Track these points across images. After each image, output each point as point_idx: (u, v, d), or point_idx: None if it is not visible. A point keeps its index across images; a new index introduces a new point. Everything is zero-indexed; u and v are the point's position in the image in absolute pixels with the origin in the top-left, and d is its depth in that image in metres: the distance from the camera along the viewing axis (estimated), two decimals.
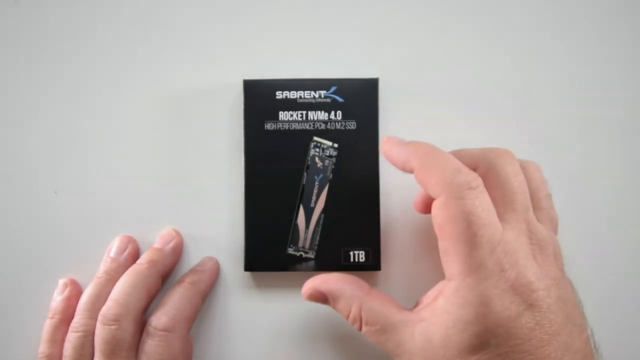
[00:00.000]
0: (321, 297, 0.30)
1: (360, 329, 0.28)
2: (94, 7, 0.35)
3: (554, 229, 0.29)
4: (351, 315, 0.29)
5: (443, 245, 0.26)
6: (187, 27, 0.35)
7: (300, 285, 0.34)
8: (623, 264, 0.34)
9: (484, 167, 0.27)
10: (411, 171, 0.28)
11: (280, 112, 0.33)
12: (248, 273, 0.34)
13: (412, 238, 0.34)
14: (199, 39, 0.35)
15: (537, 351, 0.24)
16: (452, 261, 0.26)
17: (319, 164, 0.33)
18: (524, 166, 0.28)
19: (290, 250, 0.33)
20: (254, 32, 0.35)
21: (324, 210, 0.33)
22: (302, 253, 0.33)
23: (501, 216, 0.26)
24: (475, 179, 0.26)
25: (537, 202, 0.28)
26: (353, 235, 0.32)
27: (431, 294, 0.28)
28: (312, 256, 0.33)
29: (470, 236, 0.25)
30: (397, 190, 0.34)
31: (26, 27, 0.35)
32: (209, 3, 0.35)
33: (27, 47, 0.35)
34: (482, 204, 0.25)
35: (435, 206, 0.26)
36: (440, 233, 0.26)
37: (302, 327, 0.34)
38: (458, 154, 0.28)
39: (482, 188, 0.26)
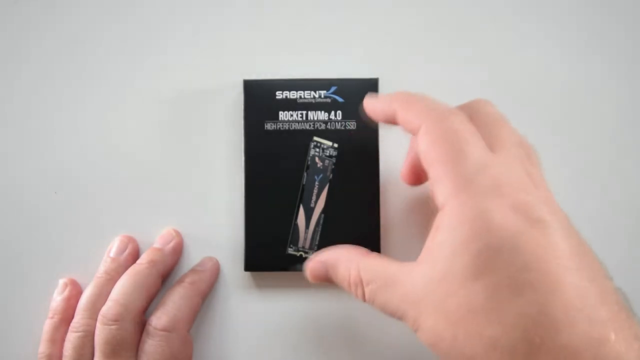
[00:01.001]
0: (322, 271, 0.28)
1: (363, 296, 0.26)
2: (94, 7, 0.35)
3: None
4: (352, 279, 0.26)
5: (431, 173, 0.24)
6: (187, 27, 0.35)
7: (300, 285, 0.34)
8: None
9: (467, 113, 0.26)
10: (394, 116, 0.26)
11: (280, 112, 0.33)
12: (248, 273, 0.34)
13: (412, 238, 0.34)
14: (199, 39, 0.35)
15: (555, 271, 0.20)
16: (441, 185, 0.23)
17: (319, 164, 0.33)
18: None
19: (290, 250, 0.33)
20: (254, 32, 0.35)
21: (324, 210, 0.33)
22: (302, 253, 0.33)
23: (491, 148, 0.24)
24: (455, 109, 0.25)
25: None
26: (353, 235, 0.32)
27: (427, 239, 0.25)
28: None
29: (456, 152, 0.23)
30: (397, 190, 0.34)
31: (26, 27, 0.35)
32: (209, 3, 0.35)
33: (27, 47, 0.35)
34: (466, 126, 0.24)
35: (419, 137, 0.25)
36: (427, 161, 0.24)
37: (302, 327, 0.34)
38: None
39: (465, 116, 0.25)
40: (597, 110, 0.35)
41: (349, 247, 0.28)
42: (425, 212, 0.34)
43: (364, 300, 0.26)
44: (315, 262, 0.28)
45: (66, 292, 0.33)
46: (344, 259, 0.27)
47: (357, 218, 0.33)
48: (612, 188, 0.34)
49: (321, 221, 0.33)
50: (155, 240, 0.34)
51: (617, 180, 0.34)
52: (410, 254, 0.34)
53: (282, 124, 0.33)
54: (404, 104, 0.26)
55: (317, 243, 0.33)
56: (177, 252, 0.34)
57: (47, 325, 0.32)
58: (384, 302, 0.25)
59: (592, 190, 0.34)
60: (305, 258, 0.33)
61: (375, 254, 0.27)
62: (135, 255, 0.34)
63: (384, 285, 0.25)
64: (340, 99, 0.33)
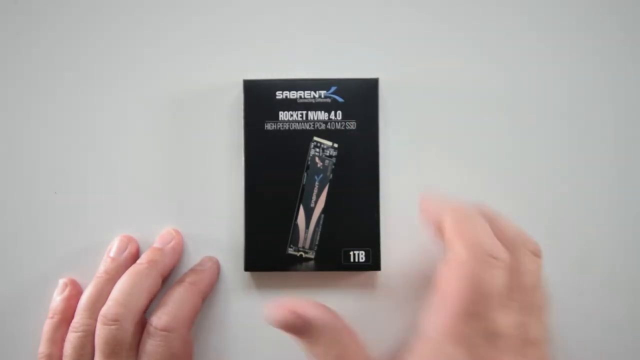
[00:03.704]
0: (298, 326, 0.26)
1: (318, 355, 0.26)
2: (94, 7, 0.35)
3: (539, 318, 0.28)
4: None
5: (437, 299, 0.25)
6: (187, 27, 0.35)
7: (301, 286, 0.34)
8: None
9: (511, 250, 0.26)
10: (441, 229, 0.27)
11: (280, 112, 0.33)
12: (248, 273, 0.34)
13: (412, 238, 0.34)
14: (199, 39, 0.35)
15: None
16: (434, 319, 0.25)
17: (319, 164, 0.33)
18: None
19: (290, 250, 0.33)
20: (254, 32, 0.35)
21: (324, 210, 0.33)
22: (302, 253, 0.33)
23: (510, 300, 0.25)
24: (502, 253, 0.25)
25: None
26: (353, 235, 0.32)
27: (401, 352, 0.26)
28: (312, 256, 0.33)
29: (468, 300, 0.24)
30: (397, 190, 0.34)
31: (26, 27, 0.35)
32: (209, 3, 0.35)
33: (26, 47, 0.35)
34: (497, 278, 0.25)
35: (450, 260, 0.25)
36: (441, 287, 0.25)
37: None
38: (497, 223, 0.27)
39: (504, 264, 0.25)
40: (600, 111, 0.35)
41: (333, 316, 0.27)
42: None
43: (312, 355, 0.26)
44: (296, 315, 0.26)
45: (66, 292, 0.33)
46: (331, 333, 0.26)
47: (357, 218, 0.33)
48: (614, 188, 0.34)
49: (321, 221, 0.33)
50: (155, 240, 0.34)
51: (619, 180, 0.34)
52: (410, 254, 0.34)
53: (282, 124, 0.33)
54: (457, 224, 0.26)
55: (317, 243, 0.33)
56: (177, 252, 0.34)
57: (47, 325, 0.32)
58: None
59: (597, 190, 0.34)
60: (305, 258, 0.33)
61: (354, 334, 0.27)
62: (135, 255, 0.34)
63: None
64: (340, 99, 0.33)
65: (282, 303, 0.26)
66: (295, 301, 0.26)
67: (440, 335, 0.24)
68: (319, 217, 0.33)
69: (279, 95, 0.33)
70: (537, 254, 0.27)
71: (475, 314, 0.24)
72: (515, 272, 0.26)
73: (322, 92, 0.33)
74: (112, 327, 0.30)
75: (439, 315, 0.25)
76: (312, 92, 0.33)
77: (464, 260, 0.25)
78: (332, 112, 0.33)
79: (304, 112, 0.33)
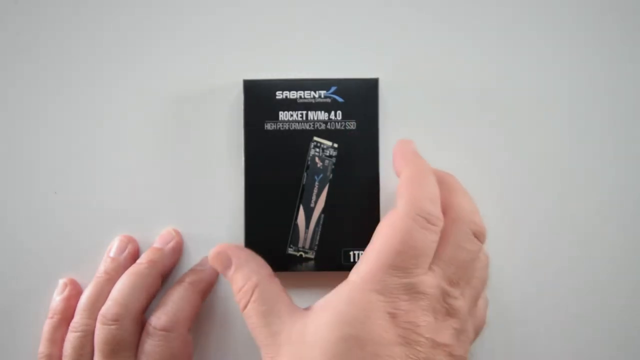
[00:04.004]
0: (225, 262, 0.29)
1: (244, 306, 0.28)
2: (94, 7, 0.35)
3: (476, 327, 0.29)
4: (244, 288, 0.28)
5: (368, 247, 0.27)
6: (187, 28, 0.35)
7: (301, 286, 0.34)
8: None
9: (455, 221, 0.27)
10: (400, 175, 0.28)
11: (280, 112, 0.33)
12: None
13: None
14: (199, 39, 0.35)
15: None
16: (360, 267, 0.26)
17: (319, 164, 0.33)
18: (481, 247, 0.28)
19: (290, 250, 0.33)
20: (254, 32, 0.35)
21: (324, 210, 0.33)
22: (302, 253, 0.33)
23: (435, 264, 0.26)
24: (437, 219, 0.26)
25: (470, 278, 0.28)
26: (353, 235, 0.32)
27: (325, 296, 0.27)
28: (312, 256, 0.33)
29: (395, 252, 0.25)
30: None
31: (26, 27, 0.35)
32: (209, 3, 0.35)
33: (26, 47, 0.35)
34: (427, 239, 0.26)
35: (389, 214, 0.27)
36: (376, 235, 0.26)
37: None
38: (452, 190, 0.28)
39: (437, 229, 0.26)
40: (600, 111, 0.35)
41: (259, 259, 0.30)
42: None
43: (242, 310, 0.28)
44: (224, 252, 0.29)
45: (66, 292, 0.33)
46: (250, 267, 0.29)
47: (357, 218, 0.33)
48: (613, 188, 0.34)
49: (321, 221, 0.33)
50: (155, 240, 0.34)
51: (618, 179, 0.34)
52: None
53: (282, 124, 0.33)
54: (408, 178, 0.28)
55: (317, 243, 0.33)
56: (177, 252, 0.34)
57: (47, 325, 0.32)
58: (256, 325, 0.27)
59: (597, 190, 0.34)
60: (305, 258, 0.33)
61: (278, 280, 0.29)
62: (135, 255, 0.34)
63: (267, 312, 0.27)
64: (340, 99, 0.33)
65: (218, 245, 0.30)
66: (226, 244, 0.30)
67: (362, 281, 0.25)
68: (319, 217, 0.33)
69: (279, 95, 0.33)
70: (478, 236, 0.27)
71: (399, 267, 0.25)
72: (449, 244, 0.27)
73: (322, 92, 0.33)
74: (112, 327, 0.30)
75: (366, 263, 0.26)
76: (312, 92, 0.33)
77: (401, 216, 0.26)
78: (332, 112, 0.33)
79: (304, 112, 0.33)
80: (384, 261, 0.25)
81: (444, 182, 0.29)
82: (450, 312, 0.26)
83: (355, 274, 0.26)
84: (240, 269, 0.29)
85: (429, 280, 0.26)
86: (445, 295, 0.26)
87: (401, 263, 0.25)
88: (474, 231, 0.27)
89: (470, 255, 0.27)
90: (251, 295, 0.28)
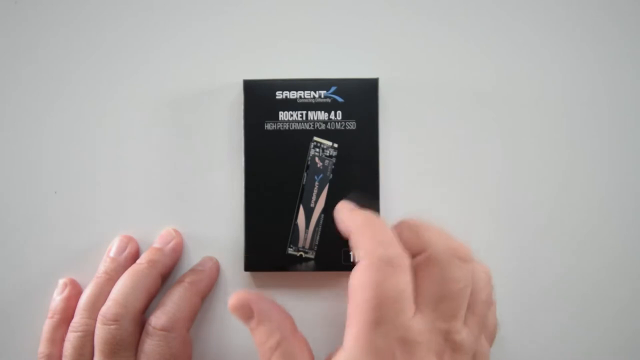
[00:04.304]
0: (246, 313, 0.28)
1: (265, 356, 0.27)
2: (94, 7, 0.35)
3: (488, 337, 0.28)
4: (267, 344, 0.27)
5: (349, 310, 0.25)
6: (187, 28, 0.35)
7: (300, 286, 0.34)
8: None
9: (431, 255, 0.26)
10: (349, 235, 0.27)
11: (280, 112, 0.33)
12: (248, 273, 0.34)
13: None
14: (199, 39, 0.35)
15: None
16: (349, 330, 0.25)
17: (319, 164, 0.33)
18: (473, 267, 0.26)
19: (290, 250, 0.33)
20: (254, 32, 0.35)
21: (324, 210, 0.33)
22: (302, 253, 0.33)
23: (424, 306, 0.25)
24: (400, 258, 0.25)
25: (473, 305, 0.26)
26: None
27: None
28: (312, 256, 0.33)
29: (372, 308, 0.24)
30: (397, 190, 0.34)
31: (26, 28, 0.35)
32: (209, 3, 0.35)
33: (26, 47, 0.35)
34: (397, 282, 0.24)
35: (354, 269, 0.25)
36: (350, 297, 0.25)
37: (301, 327, 0.34)
38: (415, 228, 0.27)
39: (404, 268, 0.25)
40: (594, 112, 0.35)
41: (282, 312, 0.29)
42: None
43: (262, 357, 0.27)
44: (245, 304, 0.28)
45: (66, 292, 0.33)
46: (274, 324, 0.28)
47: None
48: (611, 189, 0.34)
49: (321, 221, 0.33)
50: (155, 240, 0.34)
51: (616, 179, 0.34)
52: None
53: (282, 124, 0.33)
54: (358, 230, 0.26)
55: (317, 243, 0.33)
56: (177, 252, 0.34)
57: (47, 325, 0.32)
58: None
59: (592, 190, 0.34)
60: (305, 258, 0.33)
61: (300, 335, 0.28)
62: (135, 255, 0.34)
63: None
64: (340, 99, 0.33)
65: (237, 294, 0.28)
66: (246, 293, 0.28)
67: (354, 347, 0.24)
68: (319, 217, 0.33)
69: (279, 95, 0.33)
70: (462, 258, 0.26)
71: (382, 321, 0.24)
72: (432, 281, 0.25)
73: (322, 92, 0.33)
74: (112, 327, 0.30)
75: (351, 326, 0.25)
76: (312, 92, 0.33)
77: (363, 269, 0.25)
78: (332, 112, 0.33)
79: (304, 112, 0.33)
80: (366, 319, 0.24)
81: (407, 226, 0.27)
82: (456, 347, 0.25)
83: (347, 341, 0.25)
84: (262, 323, 0.28)
85: (418, 326, 0.24)
86: (445, 333, 0.25)
87: (383, 316, 0.24)
88: (455, 256, 0.26)
89: (461, 282, 0.25)
90: (274, 352, 0.27)
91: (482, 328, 0.27)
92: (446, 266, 0.25)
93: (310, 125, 0.33)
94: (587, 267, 0.34)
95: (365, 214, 0.27)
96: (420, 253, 0.26)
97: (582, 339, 0.34)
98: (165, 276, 0.33)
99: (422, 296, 0.25)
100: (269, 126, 0.33)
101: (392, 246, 0.25)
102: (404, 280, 0.25)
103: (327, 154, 0.33)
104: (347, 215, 0.28)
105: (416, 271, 0.26)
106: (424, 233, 0.27)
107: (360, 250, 0.26)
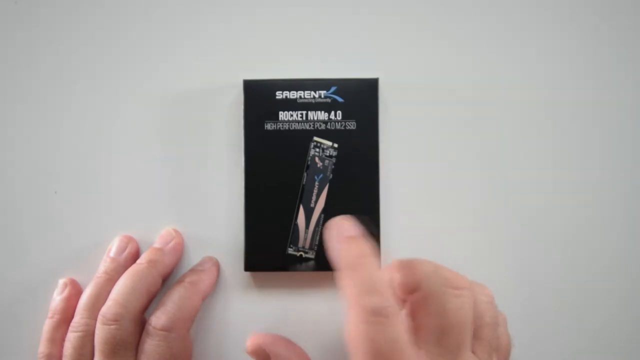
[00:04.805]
0: (263, 357, 0.31)
1: None
2: (94, 7, 0.35)
3: (502, 357, 0.28)
4: None
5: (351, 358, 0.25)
6: (187, 28, 0.35)
7: (300, 286, 0.34)
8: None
9: (426, 291, 0.25)
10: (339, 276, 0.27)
11: (280, 112, 0.33)
12: (248, 273, 0.34)
13: (412, 238, 0.34)
14: (199, 39, 0.35)
15: None
16: None
17: (319, 164, 0.33)
18: (471, 292, 0.26)
19: (290, 250, 0.33)
20: (254, 32, 0.35)
21: (324, 210, 0.33)
22: (302, 253, 0.33)
23: (427, 343, 0.25)
24: (387, 307, 0.24)
25: (478, 331, 0.26)
26: None
27: None
28: (312, 256, 0.33)
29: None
30: (397, 190, 0.34)
31: (26, 27, 0.35)
32: (209, 3, 0.35)
33: (26, 47, 0.35)
34: (389, 333, 0.23)
35: (346, 319, 0.25)
36: (349, 348, 0.25)
37: (301, 327, 0.34)
38: (407, 266, 0.26)
39: (392, 316, 0.24)
40: (599, 113, 0.35)
41: (300, 352, 0.30)
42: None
43: None
44: (260, 348, 0.31)
45: (66, 292, 0.33)
46: None
47: (357, 218, 0.32)
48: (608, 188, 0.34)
49: (321, 221, 0.33)
50: (155, 240, 0.34)
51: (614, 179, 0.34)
52: (409, 254, 0.34)
53: (282, 124, 0.33)
54: (344, 274, 0.25)
55: (317, 243, 0.33)
56: (177, 252, 0.34)
57: (47, 325, 0.32)
58: None
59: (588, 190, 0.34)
60: (305, 258, 0.33)
61: None
62: (135, 255, 0.34)
63: None
64: (340, 99, 0.33)
65: (253, 337, 0.31)
66: (262, 336, 0.31)
67: None
68: (319, 217, 0.33)
69: (279, 95, 0.33)
70: (456, 286, 0.25)
71: None
72: (431, 315, 0.25)
73: (322, 92, 0.33)
74: (112, 327, 0.30)
75: None
76: (312, 92, 0.33)
77: (353, 321, 0.24)
78: (332, 112, 0.33)
79: (304, 112, 0.33)
80: None
81: (400, 265, 0.27)
82: None
83: None
84: None
85: None
86: None
87: None
88: (449, 287, 0.25)
89: (460, 311, 0.25)
90: None
91: (493, 350, 0.26)
92: (442, 298, 0.25)
93: (310, 125, 0.33)
94: (582, 269, 0.34)
95: (353, 251, 0.26)
96: (415, 291, 0.26)
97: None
98: (165, 276, 0.33)
99: (423, 334, 0.25)
100: (269, 126, 0.33)
101: (379, 294, 0.24)
102: (396, 330, 0.24)
103: (327, 154, 0.33)
104: (336, 248, 0.27)
105: (414, 309, 0.26)
106: (416, 270, 0.26)
107: (346, 296, 0.25)
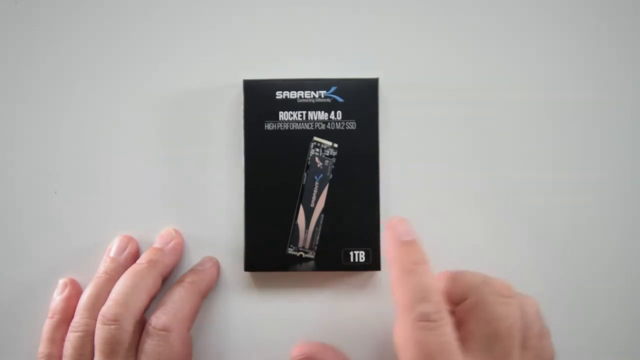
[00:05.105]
0: None
1: None
2: (94, 7, 0.35)
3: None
4: None
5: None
6: (187, 28, 0.35)
7: (301, 286, 0.34)
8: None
9: (475, 299, 0.26)
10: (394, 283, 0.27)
11: (280, 112, 0.33)
12: (248, 273, 0.34)
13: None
14: (199, 39, 0.35)
15: None
16: None
17: (319, 164, 0.33)
18: (519, 302, 0.27)
19: (290, 250, 0.33)
20: (254, 32, 0.35)
21: (324, 210, 0.33)
22: (302, 253, 0.33)
23: (476, 350, 0.25)
24: (437, 312, 0.25)
25: (526, 341, 0.26)
26: (353, 235, 0.32)
27: None
28: (312, 256, 0.33)
29: None
30: (397, 190, 0.34)
31: (26, 27, 0.35)
32: (209, 3, 0.35)
33: (26, 47, 0.35)
34: (438, 338, 0.24)
35: (396, 324, 0.26)
36: (398, 353, 0.26)
37: (301, 327, 0.34)
38: (454, 277, 0.27)
39: (443, 322, 0.25)
40: (596, 114, 0.35)
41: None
42: None
43: None
44: (308, 355, 0.31)
45: (66, 292, 0.33)
46: None
47: (357, 218, 0.33)
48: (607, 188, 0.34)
49: (321, 221, 0.33)
50: (155, 240, 0.34)
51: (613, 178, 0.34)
52: None
53: (282, 124, 0.33)
54: (397, 280, 0.26)
55: (317, 243, 0.33)
56: (177, 252, 0.34)
57: (47, 325, 0.32)
58: None
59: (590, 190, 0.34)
60: (305, 258, 0.33)
61: None
62: (135, 255, 0.34)
63: None
64: (340, 99, 0.33)
65: (300, 346, 0.31)
66: (308, 344, 0.31)
67: None
68: (319, 217, 0.33)
69: (279, 95, 0.33)
70: (503, 294, 0.26)
71: None
72: (482, 321, 0.25)
73: (322, 92, 0.33)
74: (112, 327, 0.30)
75: None
76: (312, 92, 0.33)
77: (403, 326, 0.25)
78: (332, 112, 0.33)
79: (304, 112, 0.33)
80: None
81: (446, 277, 0.28)
82: None
83: None
84: None
85: None
86: None
87: None
88: (498, 294, 0.26)
89: (509, 319, 0.25)
90: None
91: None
92: (491, 306, 0.26)
93: (310, 125, 0.33)
94: (582, 269, 0.34)
95: (408, 257, 0.27)
96: (463, 301, 0.27)
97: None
98: (165, 276, 0.33)
99: (472, 341, 0.25)
100: (269, 126, 0.33)
101: (430, 300, 0.25)
102: (445, 333, 0.25)
103: (327, 154, 0.33)
104: (392, 252, 0.28)
105: (461, 319, 0.26)
106: (464, 280, 0.27)
107: (397, 302, 0.26)
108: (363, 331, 0.34)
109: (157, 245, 0.33)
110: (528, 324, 0.27)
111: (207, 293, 0.33)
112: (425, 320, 0.25)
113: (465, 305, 0.27)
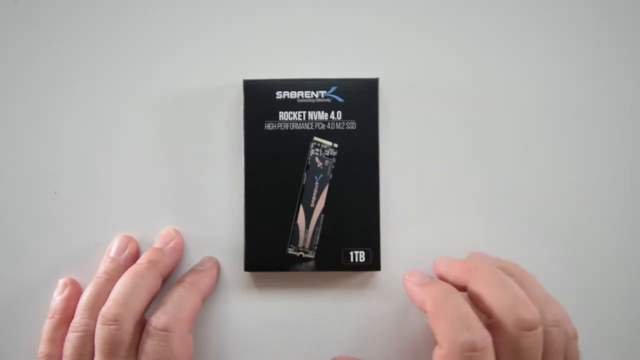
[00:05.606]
0: None
1: None
2: (94, 7, 0.35)
3: None
4: None
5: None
6: (187, 28, 0.35)
7: (301, 286, 0.34)
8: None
9: (499, 323, 0.26)
10: (426, 312, 0.28)
11: (280, 112, 0.33)
12: (248, 273, 0.34)
13: (412, 238, 0.34)
14: (199, 39, 0.35)
15: None
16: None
17: (319, 164, 0.33)
18: (550, 322, 0.27)
19: (290, 250, 0.33)
20: (254, 32, 0.35)
21: (324, 210, 0.33)
22: (302, 253, 0.33)
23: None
24: (482, 340, 0.25)
25: (546, 356, 0.27)
26: (353, 235, 0.32)
27: None
28: (312, 256, 0.33)
29: None
30: (397, 190, 0.34)
31: (26, 27, 0.35)
32: (209, 3, 0.35)
33: (26, 47, 0.35)
34: None
35: (436, 354, 0.26)
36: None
37: (301, 327, 0.34)
38: (486, 293, 0.27)
39: (488, 349, 0.25)
40: (599, 114, 0.35)
41: None
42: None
43: None
44: None
45: (66, 292, 0.33)
46: None
47: (357, 218, 0.33)
48: (607, 187, 0.34)
49: (321, 221, 0.33)
50: (155, 240, 0.34)
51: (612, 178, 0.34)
52: (410, 254, 0.34)
53: (282, 124, 0.33)
54: (434, 312, 0.27)
55: (317, 243, 0.33)
56: (177, 252, 0.34)
57: (47, 325, 0.32)
58: None
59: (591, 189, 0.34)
60: (305, 258, 0.33)
61: None
62: (135, 255, 0.34)
63: None
64: (340, 99, 0.33)
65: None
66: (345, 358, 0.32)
67: None
68: (319, 217, 0.33)
69: (279, 95, 0.33)
70: (531, 328, 0.26)
71: None
72: (507, 350, 0.26)
73: (322, 92, 0.33)
74: (112, 327, 0.30)
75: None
76: (312, 92, 0.33)
77: (449, 358, 0.25)
78: (332, 112, 0.33)
79: (304, 112, 0.33)
80: None
81: (469, 293, 0.28)
82: None
83: None
84: None
85: None
86: None
87: None
88: (522, 329, 0.26)
89: (532, 349, 0.26)
90: None
91: None
92: (516, 339, 0.26)
93: (310, 125, 0.33)
94: (582, 269, 0.34)
95: (438, 289, 0.28)
96: (489, 315, 0.27)
97: None
98: (165, 276, 0.33)
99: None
100: (269, 126, 0.33)
101: (472, 328, 0.26)
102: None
103: (327, 154, 0.33)
104: (419, 291, 0.29)
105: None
106: (486, 299, 0.27)
107: (439, 333, 0.26)
108: (363, 331, 0.34)
109: (157, 245, 0.33)
110: (550, 341, 0.27)
111: (208, 293, 0.33)
112: (470, 350, 0.25)
113: (491, 326, 0.27)
